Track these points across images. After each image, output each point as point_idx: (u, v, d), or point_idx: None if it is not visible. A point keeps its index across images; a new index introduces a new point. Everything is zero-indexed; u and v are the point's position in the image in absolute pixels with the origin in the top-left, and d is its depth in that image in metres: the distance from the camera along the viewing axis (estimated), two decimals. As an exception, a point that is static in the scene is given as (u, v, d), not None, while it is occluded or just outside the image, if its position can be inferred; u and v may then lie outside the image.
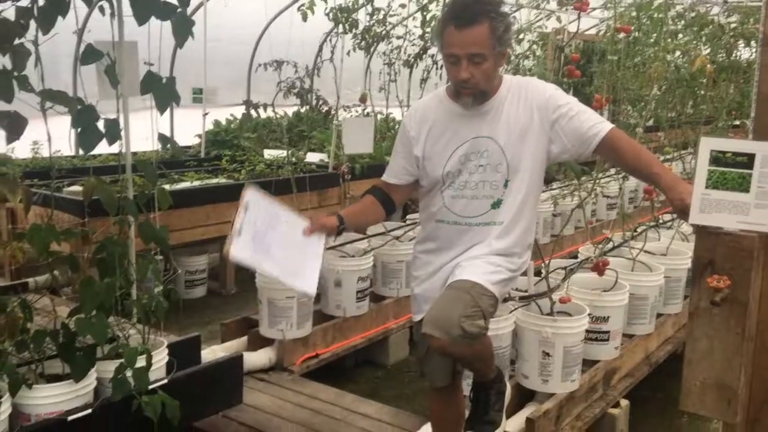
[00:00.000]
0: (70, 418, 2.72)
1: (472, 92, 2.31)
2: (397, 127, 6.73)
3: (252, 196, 2.33)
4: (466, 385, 2.79)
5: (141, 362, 2.86)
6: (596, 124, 2.33)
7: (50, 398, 2.75)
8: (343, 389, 3.73)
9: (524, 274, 3.45)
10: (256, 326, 4.00)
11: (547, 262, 3.59)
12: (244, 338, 4.04)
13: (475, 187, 2.40)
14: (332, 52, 6.95)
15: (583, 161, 2.77)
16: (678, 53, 5.55)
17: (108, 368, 2.87)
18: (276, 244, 2.33)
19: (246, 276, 5.30)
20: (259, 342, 3.95)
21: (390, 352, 4.50)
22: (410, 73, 8.22)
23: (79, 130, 2.62)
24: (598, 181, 4.38)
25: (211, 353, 3.67)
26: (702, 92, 5.90)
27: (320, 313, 4.26)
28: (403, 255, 4.46)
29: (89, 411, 2.78)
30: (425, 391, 3.20)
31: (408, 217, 5.53)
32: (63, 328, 2.84)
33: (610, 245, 4.16)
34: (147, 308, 3.04)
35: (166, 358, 3.15)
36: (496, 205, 2.40)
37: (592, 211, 6.52)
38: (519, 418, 3.17)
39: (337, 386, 3.75)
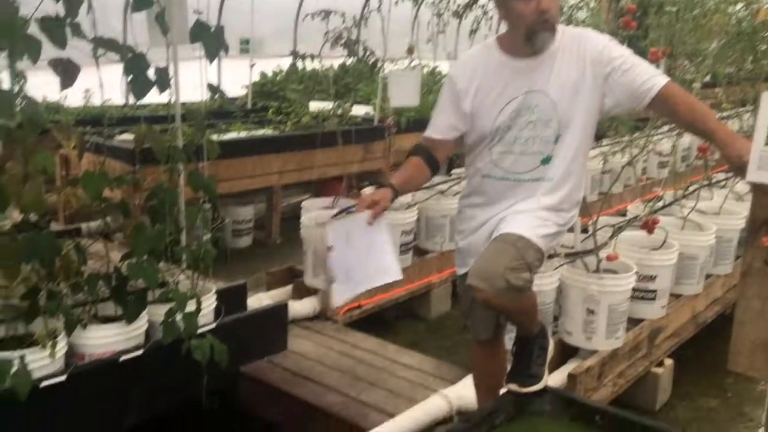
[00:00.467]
0: (122, 358, 2.83)
1: (552, 24, 2.24)
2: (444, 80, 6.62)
3: (332, 235, 2.32)
4: (509, 340, 2.80)
5: (190, 307, 2.93)
6: (651, 78, 2.25)
7: (103, 339, 2.85)
8: (385, 340, 3.78)
9: (571, 230, 3.42)
10: (301, 276, 4.07)
11: (594, 219, 3.54)
12: (289, 287, 4.11)
13: (525, 143, 2.35)
14: (380, 2, 6.85)
15: (636, 116, 2.69)
16: (740, 5, 5.30)
17: (158, 312, 2.96)
18: (359, 258, 2.35)
19: (291, 227, 5.38)
20: (303, 291, 4.02)
21: (432, 305, 4.53)
22: (459, 23, 8.06)
23: (129, 78, 2.65)
24: (650, 138, 4.27)
25: (257, 301, 3.74)
26: (764, 47, 5.65)
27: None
28: (448, 209, 4.44)
29: (140, 352, 2.88)
30: (466, 344, 3.22)
31: (453, 171, 5.49)
32: (115, 272, 2.93)
33: (660, 203, 4.07)
34: (196, 255, 3.11)
35: (214, 304, 3.23)
36: (546, 161, 2.36)
37: (642, 168, 6.37)
38: (561, 374, 3.18)
39: (379, 337, 3.80)
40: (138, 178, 3.31)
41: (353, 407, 3.05)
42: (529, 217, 2.32)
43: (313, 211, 4.17)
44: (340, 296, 2.32)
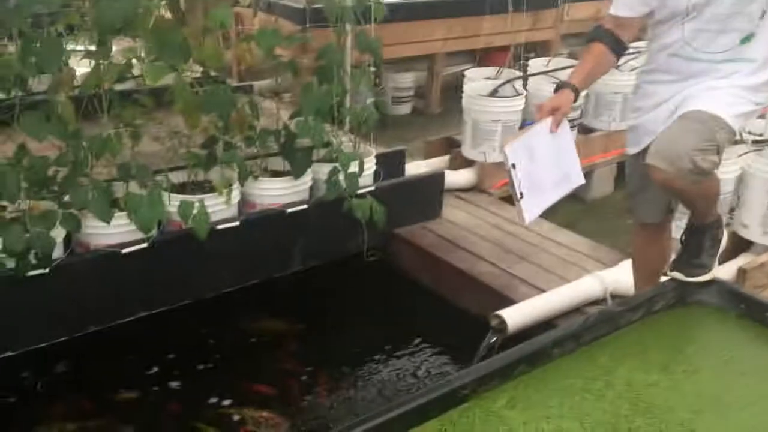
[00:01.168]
0: (288, 210, 3.00)
1: None
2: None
3: (513, 154, 2.20)
4: (675, 227, 2.64)
5: (353, 167, 3.02)
6: None
7: (272, 191, 3.03)
8: (540, 217, 3.70)
9: (761, 116, 3.09)
10: (459, 146, 4.04)
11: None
12: (446, 157, 4.10)
13: (725, 20, 2.09)
14: None
15: None
16: None
17: (322, 170, 3.08)
18: (543, 171, 2.25)
19: (451, 96, 5.29)
20: (460, 162, 4.00)
21: (593, 186, 4.35)
22: None
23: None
24: None
25: (415, 168, 3.78)
26: None
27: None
28: (621, 86, 4.14)
29: (305, 207, 3.04)
30: (626, 229, 3.09)
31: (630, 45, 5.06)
32: (284, 129, 3.05)
33: None
34: (359, 118, 3.16)
35: (374, 167, 3.30)
36: (747, 39, 2.10)
37: None
38: (731, 267, 2.99)
39: (535, 213, 3.74)
40: (307, 37, 3.35)
41: (503, 278, 3.07)
42: (722, 94, 2.10)
43: (477, 81, 4.06)
44: (529, 215, 2.26)
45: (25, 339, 2.48)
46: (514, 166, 2.18)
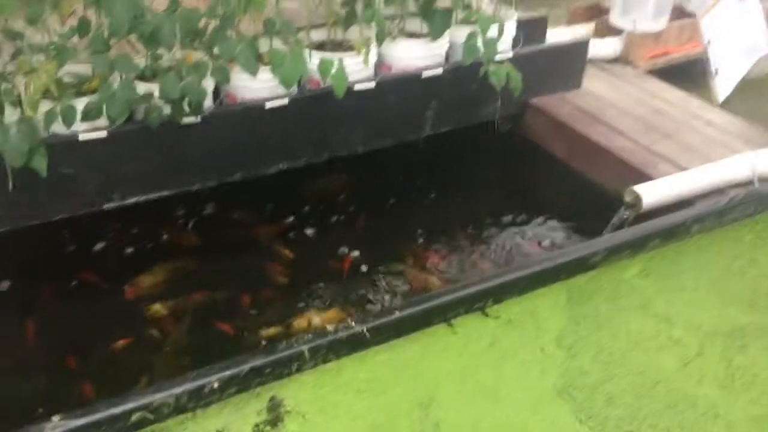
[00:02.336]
0: (424, 73, 2.98)
1: None
2: None
3: (707, 29, 2.02)
4: None
5: (492, 32, 2.92)
6: None
7: (409, 52, 3.01)
8: (690, 95, 3.47)
9: None
10: (606, 14, 3.79)
11: None
12: (591, 25, 3.86)
13: None
14: None
15: None
16: None
17: (461, 33, 3.00)
18: (735, 43, 2.09)
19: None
20: (606, 31, 3.76)
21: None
22: None
23: None
24: None
25: (557, 35, 3.60)
26: None
27: (679, 10, 3.84)
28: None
29: (440, 71, 3.00)
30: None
31: None
32: (424, -12, 2.97)
33: None
34: (502, -22, 3.02)
35: (514, 33, 3.18)
36: None
37: None
38: None
39: (683, 90, 3.50)
40: None
41: (643, 155, 2.95)
42: None
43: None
44: (724, 90, 2.15)
45: (178, 181, 2.69)
46: (709, 42, 2.06)
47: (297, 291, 2.49)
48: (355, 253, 2.74)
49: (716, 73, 2.06)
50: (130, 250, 2.76)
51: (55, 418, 1.60)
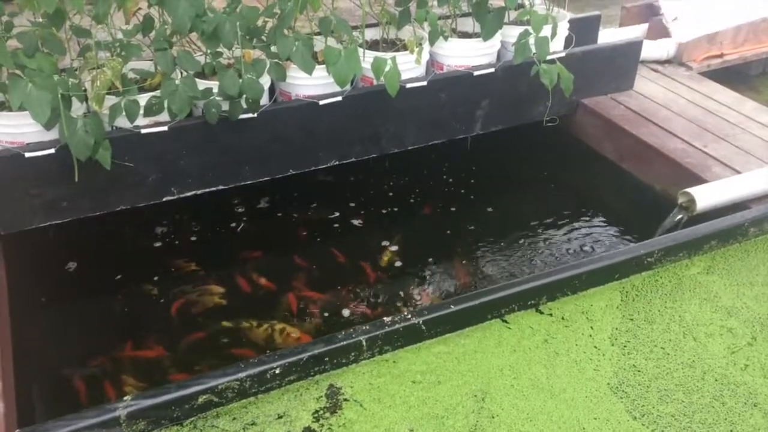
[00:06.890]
0: (475, 73, 2.99)
1: None
2: None
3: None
4: None
5: (544, 32, 2.93)
6: None
7: (460, 52, 3.02)
8: (744, 96, 3.43)
9: None
10: (660, 15, 3.75)
11: None
12: (645, 26, 3.84)
13: None
14: None
15: None
16: None
17: (512, 33, 3.02)
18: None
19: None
20: (660, 32, 3.73)
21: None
22: None
23: None
24: None
25: (609, 35, 3.58)
26: None
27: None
28: None
29: (492, 70, 3.01)
30: None
31: None
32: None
33: None
34: (556, -22, 3.02)
35: (566, 33, 3.17)
36: None
37: None
38: None
39: (738, 92, 3.45)
40: None
41: (696, 156, 2.92)
42: None
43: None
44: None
45: (234, 176, 2.76)
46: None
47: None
48: (394, 248, 2.81)
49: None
50: (193, 238, 2.86)
51: (127, 398, 1.66)
